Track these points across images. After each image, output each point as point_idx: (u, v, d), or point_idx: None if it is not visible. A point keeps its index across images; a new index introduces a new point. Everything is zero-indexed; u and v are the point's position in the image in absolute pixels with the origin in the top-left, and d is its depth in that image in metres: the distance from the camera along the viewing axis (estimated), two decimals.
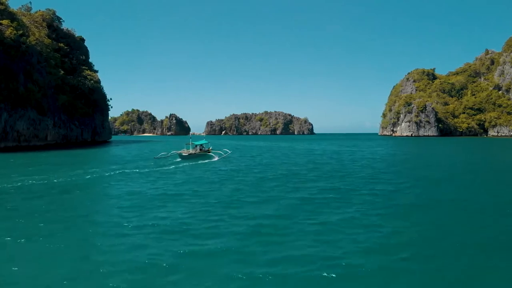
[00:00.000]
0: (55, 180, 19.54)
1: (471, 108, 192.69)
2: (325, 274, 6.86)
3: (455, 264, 7.44)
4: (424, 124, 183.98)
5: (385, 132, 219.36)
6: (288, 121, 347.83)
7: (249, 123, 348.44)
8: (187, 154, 34.92)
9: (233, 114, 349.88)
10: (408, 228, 10.22)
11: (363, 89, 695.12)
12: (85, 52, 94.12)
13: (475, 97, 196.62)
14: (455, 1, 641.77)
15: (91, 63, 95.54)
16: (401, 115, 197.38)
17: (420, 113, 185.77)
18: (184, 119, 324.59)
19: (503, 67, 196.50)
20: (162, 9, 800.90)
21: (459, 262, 7.56)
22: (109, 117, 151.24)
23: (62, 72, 72.90)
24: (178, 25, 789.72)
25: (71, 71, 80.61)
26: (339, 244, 8.66)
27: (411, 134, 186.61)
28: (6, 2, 61.46)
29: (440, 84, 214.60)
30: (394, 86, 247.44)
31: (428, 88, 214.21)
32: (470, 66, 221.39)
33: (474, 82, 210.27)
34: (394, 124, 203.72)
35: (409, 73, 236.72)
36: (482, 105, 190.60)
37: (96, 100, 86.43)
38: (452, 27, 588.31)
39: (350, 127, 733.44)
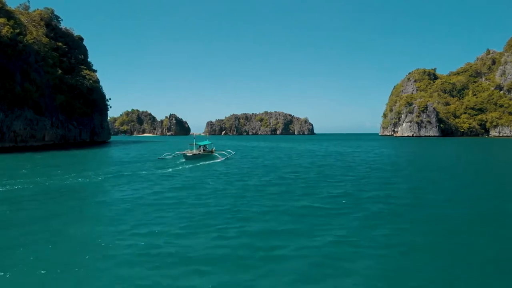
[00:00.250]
0: (46, 183, 18.49)
1: (473, 108, 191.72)
2: None
3: None
4: (426, 124, 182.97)
5: (386, 132, 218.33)
6: (288, 121, 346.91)
7: (249, 123, 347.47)
8: (191, 154, 34.86)
9: (233, 114, 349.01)
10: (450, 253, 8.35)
11: (363, 89, 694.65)
12: (84, 52, 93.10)
13: (476, 97, 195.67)
14: (455, 1, 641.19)
15: (89, 62, 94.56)
16: (402, 115, 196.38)
17: (421, 113, 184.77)
18: (184, 119, 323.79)
19: (504, 67, 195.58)
20: (162, 9, 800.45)
21: None
22: (109, 117, 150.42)
23: (60, 71, 71.89)
24: (178, 25, 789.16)
25: (69, 70, 79.61)
26: (363, 273, 7.17)
27: (412, 134, 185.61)
28: (3, 1, 60.44)
29: (441, 84, 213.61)
30: (394, 86, 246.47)
31: (429, 88, 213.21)
32: (471, 66, 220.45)
33: (475, 82, 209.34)
34: (395, 124, 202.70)
35: (410, 73, 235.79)
36: (484, 105, 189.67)
37: (94, 100, 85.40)
38: (452, 27, 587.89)
39: (350, 127, 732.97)
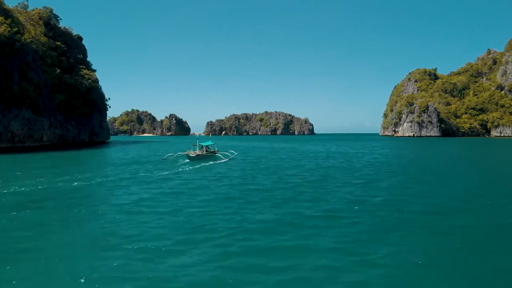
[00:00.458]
0: (39, 187, 17.62)
1: (474, 108, 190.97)
2: None
3: None
4: (427, 124, 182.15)
5: (386, 133, 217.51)
6: (289, 121, 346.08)
7: (249, 123, 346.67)
8: (194, 155, 34.67)
9: (233, 114, 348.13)
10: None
11: (363, 89, 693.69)
12: (83, 51, 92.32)
13: (477, 97, 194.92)
14: (455, 1, 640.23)
15: (89, 62, 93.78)
16: (403, 115, 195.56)
17: (422, 113, 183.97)
18: (184, 119, 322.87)
19: (505, 67, 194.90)
20: (162, 9, 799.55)
21: None
22: (109, 117, 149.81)
23: (59, 70, 71.08)
24: (178, 25, 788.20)
25: (68, 70, 78.85)
26: None
27: (413, 134, 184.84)
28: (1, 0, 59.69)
29: (442, 84, 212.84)
30: (395, 86, 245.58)
31: (430, 88, 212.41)
32: (472, 66, 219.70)
33: (476, 82, 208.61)
34: (396, 125, 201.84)
35: (410, 73, 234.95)
36: (485, 105, 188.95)
37: (94, 100, 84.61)
38: (452, 27, 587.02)
39: (350, 127, 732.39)
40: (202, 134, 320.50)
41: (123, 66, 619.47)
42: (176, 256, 8.19)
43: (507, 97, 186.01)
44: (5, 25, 54.88)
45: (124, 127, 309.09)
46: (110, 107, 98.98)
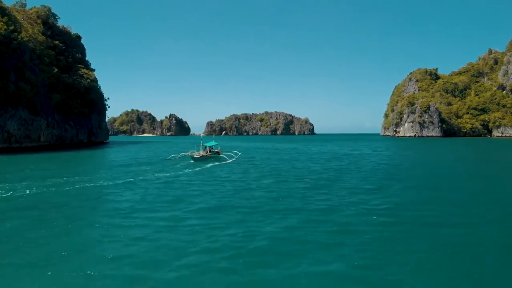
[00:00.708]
0: (27, 191, 16.50)
1: (475, 109, 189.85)
2: None
3: None
4: (428, 124, 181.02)
5: (387, 133, 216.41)
6: (289, 122, 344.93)
7: (250, 123, 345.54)
8: (198, 156, 34.38)
9: (233, 114, 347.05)
10: None
11: (363, 89, 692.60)
12: (82, 50, 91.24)
13: (479, 97, 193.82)
14: (454, 1, 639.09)
15: (87, 61, 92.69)
16: (404, 115, 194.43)
17: (424, 113, 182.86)
18: (184, 119, 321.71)
19: (507, 67, 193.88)
20: (163, 9, 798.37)
21: None
22: (109, 117, 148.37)
23: (56, 70, 69.94)
24: (179, 25, 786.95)
25: (66, 69, 77.73)
26: None
27: (415, 134, 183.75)
28: None
29: (443, 84, 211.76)
30: (396, 86, 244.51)
31: (431, 88, 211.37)
32: (473, 66, 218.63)
33: (477, 82, 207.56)
34: (397, 125, 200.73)
35: (411, 72, 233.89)
36: (486, 105, 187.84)
37: (92, 100, 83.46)
38: (452, 27, 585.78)
39: (350, 127, 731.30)
40: (203, 134, 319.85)
41: (123, 66, 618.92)
42: (171, 286, 6.85)
43: (508, 97, 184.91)
44: (1, 23, 53.79)
45: (124, 127, 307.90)
46: (109, 107, 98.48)
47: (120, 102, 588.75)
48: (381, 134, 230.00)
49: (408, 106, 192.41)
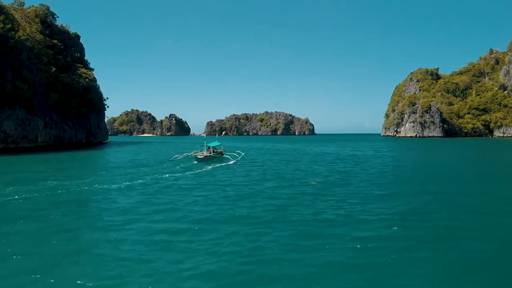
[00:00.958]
0: (16, 196, 15.45)
1: (476, 109, 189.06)
2: None
3: None
4: (429, 124, 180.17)
5: (388, 133, 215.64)
6: (289, 122, 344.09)
7: (250, 124, 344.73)
8: (202, 156, 34.22)
9: (234, 114, 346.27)
10: None
11: (363, 89, 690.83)
12: (81, 49, 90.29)
13: (480, 97, 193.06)
14: (455, 1, 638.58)
15: (86, 60, 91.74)
16: (405, 115, 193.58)
17: (425, 114, 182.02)
18: (184, 119, 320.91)
19: (508, 67, 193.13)
20: (162, 9, 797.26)
21: None
22: (108, 117, 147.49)
23: (54, 69, 68.97)
24: (178, 25, 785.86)
25: (65, 68, 76.78)
26: None
27: (416, 134, 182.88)
28: None
29: (444, 84, 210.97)
30: (397, 86, 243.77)
31: (432, 88, 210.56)
32: (474, 66, 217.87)
33: (478, 82, 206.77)
34: (398, 125, 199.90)
35: (412, 72, 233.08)
36: (488, 105, 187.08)
37: (91, 100, 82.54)
38: (452, 27, 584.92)
39: (350, 127, 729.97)
40: (203, 135, 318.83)
41: (123, 66, 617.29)
42: None
43: (510, 97, 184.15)
44: None
45: (124, 127, 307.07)
46: (108, 106, 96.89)
47: (120, 102, 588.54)
48: (381, 134, 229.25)
49: (409, 106, 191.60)
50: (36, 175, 23.50)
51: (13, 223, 11.40)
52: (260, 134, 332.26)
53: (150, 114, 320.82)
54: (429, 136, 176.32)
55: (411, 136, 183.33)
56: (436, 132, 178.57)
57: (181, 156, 37.98)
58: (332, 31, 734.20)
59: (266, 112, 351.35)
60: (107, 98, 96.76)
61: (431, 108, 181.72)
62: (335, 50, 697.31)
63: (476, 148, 67.50)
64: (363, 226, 11.12)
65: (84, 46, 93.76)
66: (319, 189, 18.10)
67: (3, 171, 26.27)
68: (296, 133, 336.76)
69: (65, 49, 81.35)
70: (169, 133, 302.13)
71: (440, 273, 7.50)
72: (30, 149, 55.28)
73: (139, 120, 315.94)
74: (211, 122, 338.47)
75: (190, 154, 39.18)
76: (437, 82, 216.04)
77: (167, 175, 23.49)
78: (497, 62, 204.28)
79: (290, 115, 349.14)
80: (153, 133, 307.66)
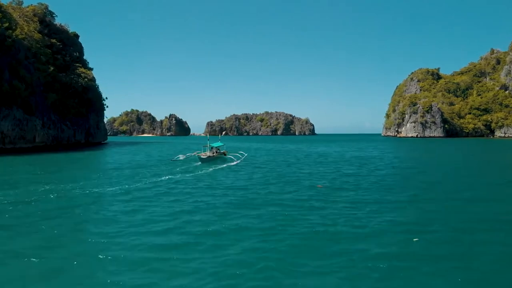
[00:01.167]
0: (5, 201, 14.57)
1: (477, 109, 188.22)
2: None
3: None
4: (430, 124, 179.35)
5: (388, 133, 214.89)
6: (289, 122, 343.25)
7: (250, 124, 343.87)
8: (205, 157, 34.18)
9: (234, 114, 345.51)
10: None
11: (363, 89, 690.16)
12: (79, 49, 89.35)
13: (481, 97, 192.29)
14: (455, 0, 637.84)
15: (85, 60, 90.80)
16: (406, 115, 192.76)
17: (426, 114, 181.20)
18: (184, 120, 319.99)
19: (510, 67, 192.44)
20: (162, 9, 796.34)
21: None
22: (109, 118, 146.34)
23: (52, 68, 68.00)
24: (178, 25, 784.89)
25: (63, 68, 75.85)
26: None
27: (417, 135, 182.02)
28: None
29: (445, 84, 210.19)
30: (397, 86, 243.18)
31: (433, 88, 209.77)
32: (475, 66, 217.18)
33: (479, 82, 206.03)
34: (399, 125, 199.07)
35: (413, 72, 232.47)
36: (489, 105, 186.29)
37: (90, 99, 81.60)
38: (452, 27, 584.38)
39: (350, 127, 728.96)
40: (203, 135, 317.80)
41: (123, 66, 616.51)
42: None
43: (511, 97, 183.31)
44: None
45: (124, 128, 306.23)
46: (107, 106, 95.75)
47: (120, 102, 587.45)
48: (382, 134, 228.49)
49: (410, 106, 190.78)
50: (29, 177, 22.62)
51: None
52: (260, 134, 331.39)
53: (150, 114, 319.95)
54: (430, 136, 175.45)
55: (412, 136, 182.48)
56: (437, 132, 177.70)
57: (184, 157, 37.75)
58: (332, 31, 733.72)
59: (266, 112, 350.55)
60: (106, 98, 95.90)
61: (432, 108, 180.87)
62: (335, 50, 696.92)
63: (480, 149, 66.62)
64: (383, 240, 9.92)
65: (83, 45, 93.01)
66: (327, 194, 16.97)
67: None
68: (297, 133, 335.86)
69: (64, 49, 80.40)
70: (169, 133, 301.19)
71: None
72: (27, 150, 54.40)
73: (139, 120, 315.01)
74: (211, 122, 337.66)
75: (193, 154, 38.97)
76: (438, 82, 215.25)
77: (166, 178, 22.49)
78: (498, 62, 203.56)
79: (290, 115, 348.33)
80: (153, 133, 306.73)
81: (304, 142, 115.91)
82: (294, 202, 15.03)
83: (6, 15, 57.30)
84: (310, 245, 9.48)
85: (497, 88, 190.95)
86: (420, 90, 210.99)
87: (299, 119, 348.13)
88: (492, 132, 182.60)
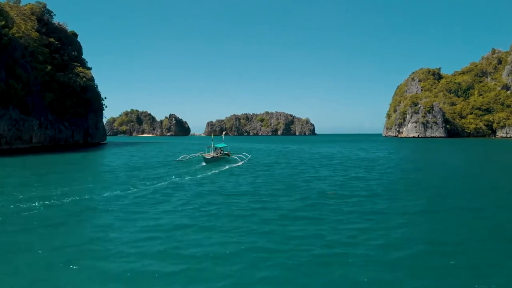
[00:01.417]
0: None
1: (479, 109, 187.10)
2: None
3: None
4: (432, 125, 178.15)
5: (389, 133, 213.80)
6: (290, 122, 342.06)
7: (250, 124, 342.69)
8: (210, 157, 34.34)
9: (234, 115, 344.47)
10: None
11: (363, 89, 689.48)
12: (78, 48, 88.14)
13: (483, 97, 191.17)
14: (454, 0, 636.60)
15: (84, 59, 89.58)
16: (407, 115, 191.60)
17: (427, 114, 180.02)
18: (184, 120, 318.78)
19: (511, 67, 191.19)
20: (162, 9, 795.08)
21: None
22: (108, 118, 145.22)
23: (50, 67, 66.77)
24: (178, 25, 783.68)
25: (62, 67, 74.67)
26: None
27: (418, 135, 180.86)
28: None
29: (446, 83, 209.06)
30: (398, 86, 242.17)
31: (434, 88, 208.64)
32: (476, 66, 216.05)
33: (481, 82, 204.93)
34: (400, 125, 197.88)
35: (414, 72, 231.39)
36: (490, 105, 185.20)
37: (89, 99, 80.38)
38: (452, 26, 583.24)
39: (351, 127, 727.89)
40: (203, 135, 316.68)
41: (123, 65, 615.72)
42: None
43: None
44: None
45: (124, 128, 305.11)
46: (106, 106, 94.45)
47: (120, 102, 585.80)
48: (383, 135, 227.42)
49: (411, 106, 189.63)
50: (18, 181, 21.40)
51: None
52: (260, 134, 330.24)
53: (150, 114, 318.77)
54: (431, 137, 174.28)
55: (413, 137, 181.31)
56: (438, 132, 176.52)
57: (188, 157, 37.82)
58: (332, 31, 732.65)
59: (267, 112, 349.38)
60: (105, 98, 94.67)
61: (434, 108, 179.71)
62: (335, 50, 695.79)
63: (488, 149, 65.38)
64: (417, 266, 8.17)
65: (83, 45, 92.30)
66: (342, 203, 15.25)
67: None
68: (297, 133, 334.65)
69: (62, 48, 79.24)
70: (169, 133, 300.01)
71: None
72: (24, 150, 53.23)
73: (139, 120, 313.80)
74: (211, 122, 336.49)
75: (196, 155, 38.97)
76: (439, 82, 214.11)
77: (164, 183, 21.05)
78: (499, 62, 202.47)
79: (291, 115, 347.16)
80: (153, 133, 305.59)
81: (306, 142, 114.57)
82: (306, 214, 13.40)
83: (2, 13, 56.19)
84: (332, 274, 7.85)
85: (499, 88, 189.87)
86: (421, 90, 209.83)
87: (299, 119, 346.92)
88: (494, 132, 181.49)
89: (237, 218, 12.70)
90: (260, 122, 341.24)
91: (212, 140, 40.00)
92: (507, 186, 20.57)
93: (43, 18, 77.95)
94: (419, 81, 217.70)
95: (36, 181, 21.47)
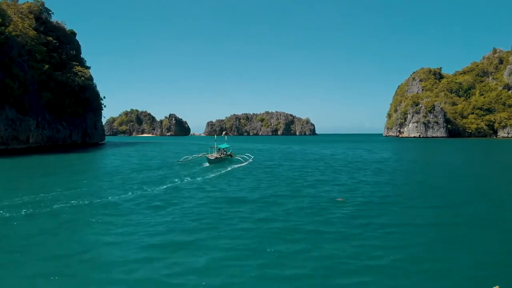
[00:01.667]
0: None
1: (480, 109, 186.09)
2: None
3: None
4: (433, 125, 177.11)
5: (390, 133, 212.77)
6: (290, 122, 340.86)
7: (250, 124, 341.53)
8: (213, 158, 34.26)
9: (234, 114, 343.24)
10: None
11: (363, 89, 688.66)
12: (76, 47, 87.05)
13: (484, 97, 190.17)
14: (455, 0, 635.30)
15: (82, 58, 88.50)
16: (408, 115, 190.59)
17: (428, 114, 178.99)
18: (184, 119, 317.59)
19: None
20: (162, 9, 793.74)
21: None
22: (108, 117, 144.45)
23: (47, 66, 65.64)
24: (178, 25, 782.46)
25: (60, 66, 73.57)
26: None
27: (419, 135, 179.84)
28: None
29: (447, 83, 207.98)
30: (399, 86, 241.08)
31: (435, 88, 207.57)
32: (477, 65, 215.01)
33: (482, 81, 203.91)
34: (401, 125, 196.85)
35: (415, 72, 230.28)
36: (492, 105, 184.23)
37: (87, 99, 79.29)
38: (453, 26, 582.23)
39: (351, 127, 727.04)
40: (203, 135, 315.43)
41: (122, 65, 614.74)
42: None
43: None
44: None
45: (123, 127, 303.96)
46: (105, 106, 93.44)
47: (120, 102, 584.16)
48: (384, 135, 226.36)
49: (412, 106, 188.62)
50: (6, 185, 20.31)
51: None
52: (260, 134, 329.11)
53: (149, 114, 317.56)
54: (432, 137, 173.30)
55: (414, 137, 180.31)
56: (440, 132, 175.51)
57: (191, 158, 37.67)
58: (332, 31, 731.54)
59: (267, 112, 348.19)
60: (104, 97, 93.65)
61: (435, 108, 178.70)
62: (335, 50, 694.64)
63: (494, 150, 64.33)
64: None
65: (83, 45, 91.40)
66: (353, 211, 14.05)
67: None
68: (297, 133, 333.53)
69: (60, 47, 78.15)
70: (169, 133, 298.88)
71: None
72: (20, 151, 52.16)
73: (138, 120, 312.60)
74: (211, 122, 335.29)
75: (199, 155, 38.78)
76: (440, 81, 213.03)
77: (164, 187, 19.88)
78: (500, 62, 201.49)
79: (291, 115, 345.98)
80: (152, 133, 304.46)
81: (307, 142, 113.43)
82: (317, 226, 11.87)
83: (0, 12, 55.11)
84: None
85: (500, 88, 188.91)
86: (422, 89, 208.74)
87: (299, 119, 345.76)
88: (495, 132, 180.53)
89: (239, 232, 11.28)
90: (260, 122, 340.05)
91: (215, 140, 39.64)
92: None
93: (41, 17, 76.89)
94: (420, 81, 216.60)
95: (28, 184, 20.43)
